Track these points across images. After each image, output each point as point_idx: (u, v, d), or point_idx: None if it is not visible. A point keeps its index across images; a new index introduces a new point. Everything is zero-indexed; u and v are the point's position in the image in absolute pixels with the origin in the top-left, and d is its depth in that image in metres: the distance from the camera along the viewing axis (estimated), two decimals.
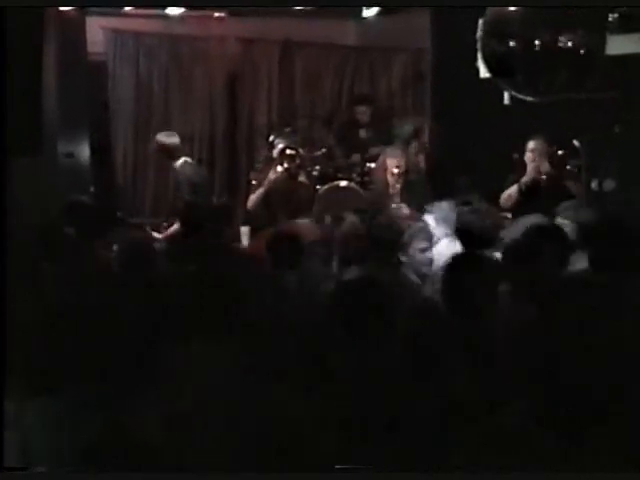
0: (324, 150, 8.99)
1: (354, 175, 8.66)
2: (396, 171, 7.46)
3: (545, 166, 6.94)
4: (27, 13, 6.52)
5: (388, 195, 7.45)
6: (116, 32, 9.18)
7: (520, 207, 6.63)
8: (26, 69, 7.09)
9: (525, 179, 6.87)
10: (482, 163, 7.92)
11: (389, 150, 7.87)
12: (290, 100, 9.92)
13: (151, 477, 2.53)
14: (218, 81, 9.66)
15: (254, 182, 8.03)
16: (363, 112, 9.17)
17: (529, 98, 5.74)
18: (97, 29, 8.81)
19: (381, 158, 7.84)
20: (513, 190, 6.89)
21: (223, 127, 9.75)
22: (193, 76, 9.55)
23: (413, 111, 9.88)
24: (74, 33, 8.02)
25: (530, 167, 6.90)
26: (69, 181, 7.58)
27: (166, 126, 9.40)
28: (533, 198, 6.76)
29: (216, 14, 9.34)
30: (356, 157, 8.86)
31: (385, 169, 7.60)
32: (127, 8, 7.94)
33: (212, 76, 9.62)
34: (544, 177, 6.91)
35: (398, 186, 7.45)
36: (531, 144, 7.01)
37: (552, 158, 7.00)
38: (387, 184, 7.51)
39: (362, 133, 9.15)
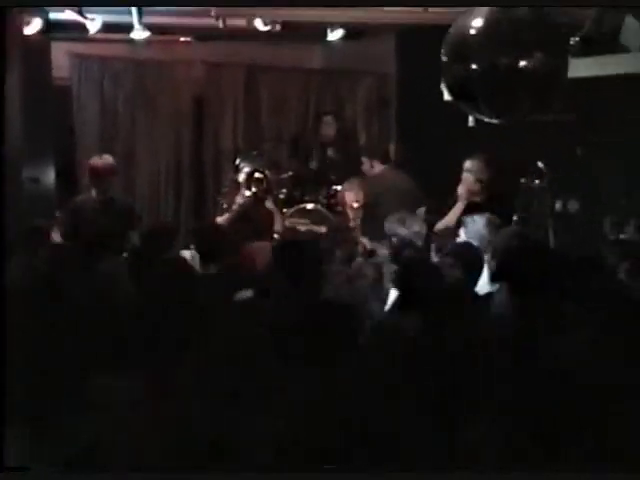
0: (290, 173, 9.02)
1: (320, 197, 8.70)
2: (355, 205, 7.55)
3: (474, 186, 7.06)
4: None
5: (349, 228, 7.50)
6: (81, 57, 9.18)
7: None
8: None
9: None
10: (448, 185, 7.97)
11: (347, 184, 7.92)
12: (256, 123, 9.95)
13: (151, 477, 2.54)
14: (184, 105, 9.67)
15: (224, 205, 8.04)
16: (329, 124, 9.20)
17: (492, 120, 5.79)
18: (62, 54, 8.79)
19: (340, 192, 7.94)
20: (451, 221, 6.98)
21: (189, 150, 9.75)
22: (159, 100, 9.55)
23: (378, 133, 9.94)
24: (39, 58, 8.00)
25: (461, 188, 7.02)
26: (34, 206, 7.54)
27: (131, 150, 9.45)
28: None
29: (182, 38, 9.37)
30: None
31: (344, 203, 7.69)
32: (92, 33, 7.91)
33: (178, 100, 9.63)
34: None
35: (358, 220, 7.50)
36: (467, 164, 7.12)
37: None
38: (347, 218, 7.59)
39: (329, 152, 9.19)
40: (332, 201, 8.60)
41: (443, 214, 7.12)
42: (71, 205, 7.47)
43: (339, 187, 8.32)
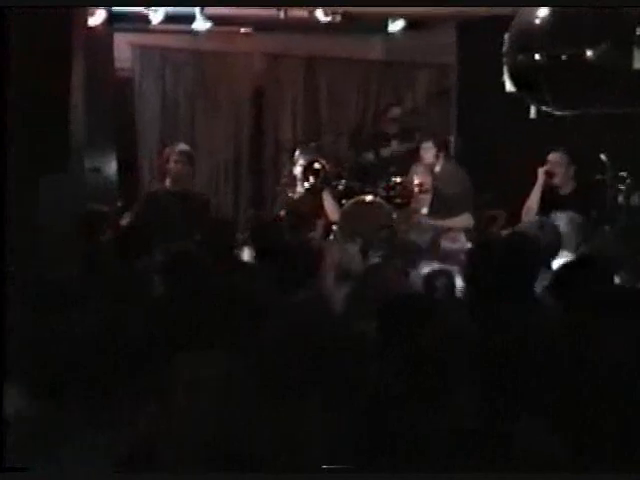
0: (349, 164, 8.99)
1: (380, 190, 8.65)
2: (422, 189, 7.52)
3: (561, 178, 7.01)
4: (56, 29, 6.56)
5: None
6: (143, 48, 9.25)
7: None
8: (54, 85, 7.14)
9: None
10: (508, 177, 7.90)
11: (414, 168, 7.91)
12: (315, 115, 9.94)
13: (152, 477, 2.53)
14: (244, 96, 9.70)
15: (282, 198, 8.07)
16: (395, 115, 9.18)
17: (555, 112, 5.74)
18: (125, 45, 8.88)
19: (407, 179, 7.91)
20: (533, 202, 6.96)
21: (248, 142, 9.78)
22: (219, 91, 9.58)
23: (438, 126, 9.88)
24: (102, 49, 8.09)
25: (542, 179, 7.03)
26: (96, 196, 7.61)
27: (191, 141, 9.48)
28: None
29: (242, 30, 9.39)
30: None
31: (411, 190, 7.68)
32: (154, 24, 7.97)
33: (238, 91, 9.66)
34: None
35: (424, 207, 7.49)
36: (551, 156, 7.09)
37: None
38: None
39: (392, 144, 9.15)
40: (391, 193, 8.54)
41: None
42: (145, 195, 7.45)
43: (398, 179, 8.25)
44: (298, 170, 8.04)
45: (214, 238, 5.59)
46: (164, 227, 6.07)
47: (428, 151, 8.04)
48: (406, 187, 7.83)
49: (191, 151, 7.40)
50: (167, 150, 7.36)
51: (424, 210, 7.50)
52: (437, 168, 8.01)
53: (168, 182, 7.16)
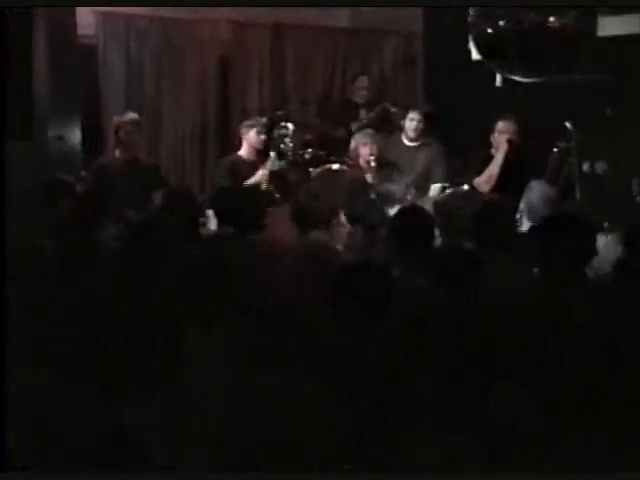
0: (317, 133, 8.97)
1: (346, 158, 8.63)
2: (371, 158, 7.47)
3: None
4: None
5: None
6: (106, 15, 9.13)
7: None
8: (16, 54, 7.07)
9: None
10: (474, 146, 7.93)
11: (359, 136, 7.85)
12: (282, 84, 9.90)
13: (151, 477, 2.54)
14: (209, 64, 9.62)
15: None
16: (363, 84, 9.16)
17: (520, 79, 5.75)
18: (88, 12, 8.76)
19: (353, 145, 7.84)
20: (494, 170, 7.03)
21: (214, 111, 9.72)
22: (184, 59, 9.50)
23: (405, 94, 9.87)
24: (64, 16, 7.98)
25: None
26: (60, 164, 7.55)
27: (156, 110, 9.42)
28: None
29: None
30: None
31: (358, 156, 7.61)
32: None
33: (203, 59, 9.59)
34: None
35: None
36: (505, 125, 7.14)
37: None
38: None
39: (361, 113, 9.12)
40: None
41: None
42: (94, 165, 7.48)
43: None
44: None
45: (178, 206, 5.59)
46: (115, 196, 6.09)
47: (412, 122, 7.96)
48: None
49: (140, 119, 7.46)
50: (116, 119, 7.44)
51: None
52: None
53: (118, 151, 7.26)
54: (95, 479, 2.50)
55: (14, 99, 6.61)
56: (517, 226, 5.36)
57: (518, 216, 5.53)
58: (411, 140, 7.94)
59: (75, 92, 8.12)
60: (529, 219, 5.47)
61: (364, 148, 7.60)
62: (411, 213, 4.95)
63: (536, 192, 5.72)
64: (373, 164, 7.45)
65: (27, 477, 2.51)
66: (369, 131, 7.93)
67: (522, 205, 5.66)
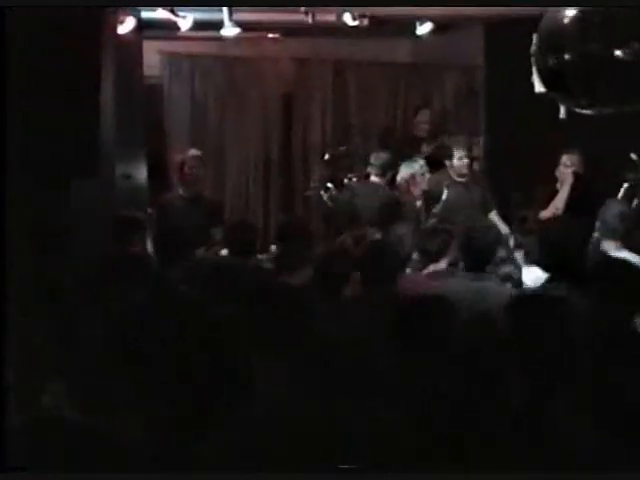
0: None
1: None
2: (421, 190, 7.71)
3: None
4: (86, 38, 6.62)
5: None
6: (172, 55, 9.31)
7: None
8: (85, 92, 7.19)
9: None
10: (537, 178, 7.88)
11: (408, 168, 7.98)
12: (345, 119, 9.97)
13: (150, 477, 2.54)
14: (273, 101, 9.73)
15: None
16: (425, 117, 9.20)
17: (586, 111, 5.71)
18: (154, 52, 8.93)
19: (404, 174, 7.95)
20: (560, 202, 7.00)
21: (278, 147, 9.81)
22: (248, 97, 9.62)
23: (467, 127, 9.86)
24: (131, 56, 8.14)
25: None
26: (127, 202, 7.66)
27: (221, 147, 9.54)
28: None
29: (270, 35, 9.42)
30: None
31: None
32: (183, 31, 8.02)
33: (267, 96, 9.70)
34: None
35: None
36: (570, 157, 7.14)
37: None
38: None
39: (423, 147, 9.15)
40: None
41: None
42: (159, 203, 7.56)
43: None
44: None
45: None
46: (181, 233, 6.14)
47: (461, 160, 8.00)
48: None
49: (202, 156, 7.53)
50: (179, 156, 7.52)
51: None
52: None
53: (181, 189, 7.32)
54: (95, 479, 2.51)
55: (81, 137, 6.75)
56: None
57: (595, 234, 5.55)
58: (460, 176, 7.96)
59: (141, 130, 8.25)
60: (603, 236, 5.47)
61: (419, 178, 7.85)
62: None
63: (611, 210, 5.69)
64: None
65: (27, 477, 2.52)
66: (422, 161, 8.03)
67: (598, 223, 5.64)
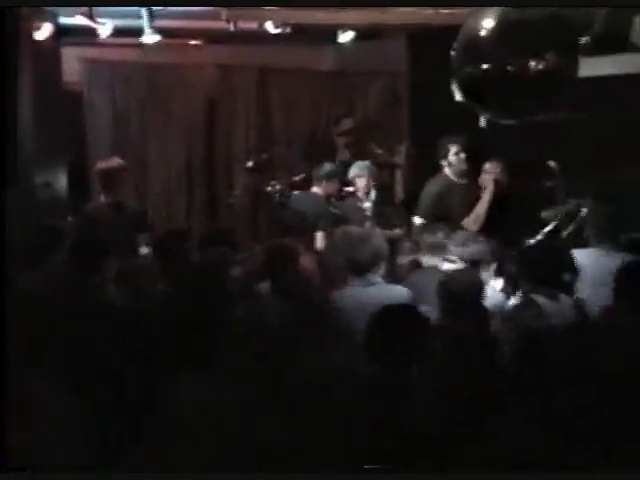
0: (303, 175, 9.00)
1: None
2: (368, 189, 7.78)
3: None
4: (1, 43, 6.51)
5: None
6: (92, 62, 9.19)
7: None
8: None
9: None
10: None
11: (356, 169, 8.01)
12: (268, 126, 9.95)
13: (151, 477, 2.54)
14: (195, 108, 9.68)
15: None
16: (347, 126, 9.23)
17: (502, 121, 5.78)
18: (73, 59, 8.81)
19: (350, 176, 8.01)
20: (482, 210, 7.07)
21: (201, 153, 9.76)
22: (170, 104, 9.56)
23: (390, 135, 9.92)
24: (50, 63, 8.02)
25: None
26: (47, 210, 7.56)
27: (143, 154, 9.45)
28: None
29: (193, 42, 9.38)
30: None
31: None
32: (103, 37, 7.93)
33: (189, 103, 9.64)
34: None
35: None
36: (486, 166, 7.21)
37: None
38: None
39: (345, 154, 9.17)
40: None
41: None
42: (81, 211, 7.47)
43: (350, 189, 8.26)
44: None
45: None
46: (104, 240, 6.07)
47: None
48: None
49: (124, 164, 7.45)
50: (100, 164, 7.43)
51: None
52: None
53: (103, 196, 7.24)
54: (95, 479, 2.51)
55: None
56: None
57: None
58: (460, 177, 7.65)
59: (61, 138, 8.13)
60: None
61: (361, 180, 7.83)
62: None
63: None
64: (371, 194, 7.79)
65: (27, 477, 2.49)
66: (366, 163, 8.05)
67: None
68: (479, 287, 4.76)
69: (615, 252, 5.49)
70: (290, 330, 3.78)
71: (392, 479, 2.64)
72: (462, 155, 7.51)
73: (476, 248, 5.61)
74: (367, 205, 7.76)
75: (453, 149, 7.51)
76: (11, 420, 2.77)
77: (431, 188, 7.49)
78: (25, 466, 2.56)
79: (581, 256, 5.28)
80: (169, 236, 6.23)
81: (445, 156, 7.56)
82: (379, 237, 5.55)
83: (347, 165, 8.48)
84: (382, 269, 5.30)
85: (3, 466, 2.60)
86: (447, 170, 7.55)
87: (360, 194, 7.86)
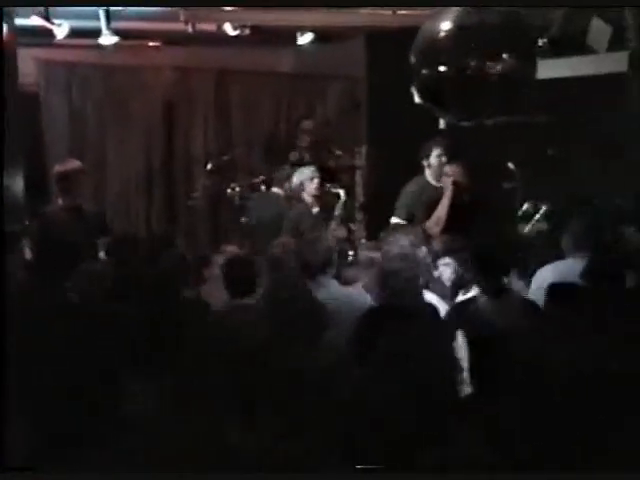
0: (262, 177, 8.98)
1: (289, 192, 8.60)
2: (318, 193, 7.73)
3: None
4: None
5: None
6: (48, 63, 9.10)
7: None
8: None
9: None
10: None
11: (305, 172, 7.93)
12: (227, 128, 9.92)
13: (151, 477, 2.53)
14: (154, 110, 9.62)
15: None
16: (308, 128, 9.22)
17: (461, 123, 5.81)
18: (29, 60, 8.71)
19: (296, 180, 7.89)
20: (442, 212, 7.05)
21: (159, 155, 9.71)
22: (128, 106, 9.49)
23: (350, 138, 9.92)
24: (5, 64, 7.91)
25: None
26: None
27: (101, 156, 9.39)
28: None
29: (151, 43, 9.32)
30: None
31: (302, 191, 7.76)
32: (59, 39, 7.84)
33: (148, 105, 9.58)
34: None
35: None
36: (452, 168, 7.17)
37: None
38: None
39: (306, 156, 9.16)
40: None
41: None
42: (39, 214, 7.38)
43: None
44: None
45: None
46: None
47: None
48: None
49: (82, 166, 7.39)
50: (57, 167, 7.35)
51: None
52: None
53: (60, 200, 7.16)
54: (95, 479, 2.45)
55: None
56: None
57: None
58: (438, 179, 7.46)
59: (17, 141, 8.03)
60: None
61: (310, 183, 7.75)
62: None
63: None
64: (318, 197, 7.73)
65: (27, 477, 2.49)
66: (312, 167, 8.02)
67: None
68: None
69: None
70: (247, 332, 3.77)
71: (391, 479, 2.64)
72: (444, 158, 7.36)
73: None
74: (316, 210, 7.70)
75: (435, 151, 7.48)
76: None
77: (409, 187, 7.47)
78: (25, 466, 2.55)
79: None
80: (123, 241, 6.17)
81: (427, 157, 7.44)
82: (329, 239, 5.59)
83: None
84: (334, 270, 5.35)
85: (3, 466, 2.58)
86: (427, 172, 7.46)
87: (308, 199, 7.75)
